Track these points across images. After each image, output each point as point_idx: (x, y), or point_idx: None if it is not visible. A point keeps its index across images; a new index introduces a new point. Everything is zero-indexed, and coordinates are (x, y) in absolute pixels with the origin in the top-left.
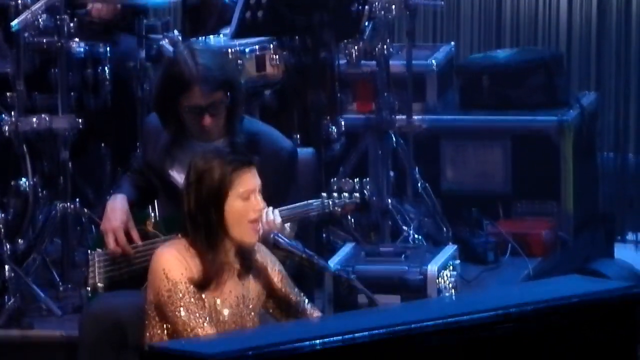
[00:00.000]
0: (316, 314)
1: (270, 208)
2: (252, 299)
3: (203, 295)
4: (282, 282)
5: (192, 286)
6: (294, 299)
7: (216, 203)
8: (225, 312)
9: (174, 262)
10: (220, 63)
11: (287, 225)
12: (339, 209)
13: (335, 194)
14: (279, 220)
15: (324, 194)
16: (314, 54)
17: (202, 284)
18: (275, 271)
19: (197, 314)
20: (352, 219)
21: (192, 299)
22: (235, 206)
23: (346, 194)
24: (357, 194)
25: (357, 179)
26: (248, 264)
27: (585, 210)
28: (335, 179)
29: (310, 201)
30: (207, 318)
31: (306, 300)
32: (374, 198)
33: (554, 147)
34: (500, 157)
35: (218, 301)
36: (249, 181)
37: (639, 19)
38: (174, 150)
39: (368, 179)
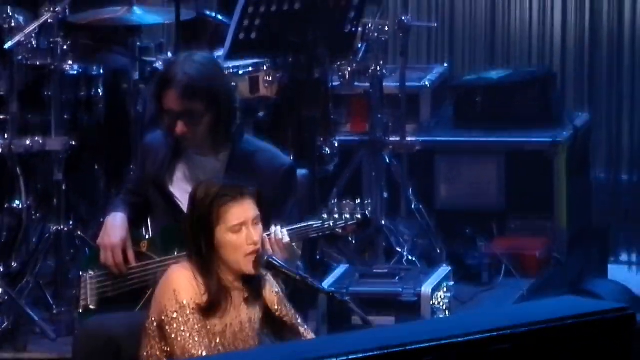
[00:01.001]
0: (310, 336)
1: (279, 227)
2: (255, 322)
3: (207, 323)
4: (279, 303)
5: (199, 312)
6: (289, 321)
7: (205, 234)
8: (230, 336)
9: (186, 284)
10: (210, 76)
11: (295, 244)
12: (340, 230)
13: (336, 215)
14: (287, 240)
15: (325, 215)
16: (308, 73)
17: (208, 309)
18: (273, 293)
19: (198, 341)
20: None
21: (197, 325)
22: (227, 239)
23: (347, 216)
24: (358, 216)
25: (358, 199)
26: (255, 291)
27: (578, 227)
28: (335, 200)
29: (310, 222)
30: (205, 350)
31: (300, 322)
32: (372, 213)
33: (548, 165)
34: (494, 175)
35: (225, 325)
36: (240, 214)
37: (631, 39)
38: (173, 164)
39: (369, 200)
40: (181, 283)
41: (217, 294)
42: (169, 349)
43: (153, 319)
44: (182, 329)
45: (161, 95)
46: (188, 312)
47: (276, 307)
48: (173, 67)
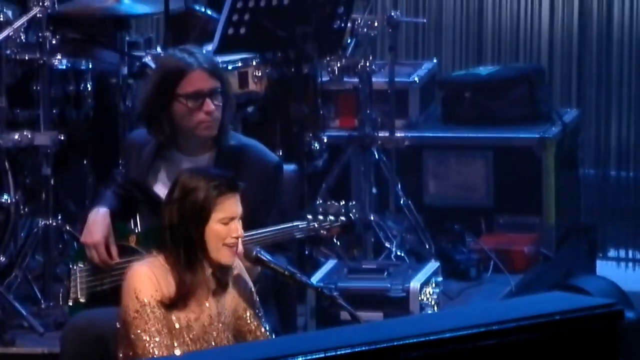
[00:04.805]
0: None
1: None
2: (227, 316)
3: (173, 316)
4: (249, 303)
5: (161, 309)
6: (253, 323)
7: (198, 223)
8: (199, 329)
9: (146, 281)
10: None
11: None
12: (325, 232)
13: (320, 217)
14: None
15: (310, 216)
16: (297, 69)
17: (174, 303)
18: (247, 292)
19: (159, 341)
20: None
21: (157, 325)
22: (215, 229)
23: (332, 217)
24: (342, 217)
25: (343, 201)
26: (224, 283)
27: (567, 224)
28: (320, 201)
29: (296, 223)
30: (167, 350)
31: (267, 326)
32: (357, 216)
33: (536, 161)
34: (482, 171)
35: (192, 319)
36: (231, 208)
37: (620, 36)
38: (157, 163)
39: (354, 202)
40: (141, 281)
41: (190, 286)
42: (131, 349)
43: (121, 318)
44: (144, 328)
45: (180, 82)
46: (148, 310)
47: (244, 306)
48: (180, 57)
